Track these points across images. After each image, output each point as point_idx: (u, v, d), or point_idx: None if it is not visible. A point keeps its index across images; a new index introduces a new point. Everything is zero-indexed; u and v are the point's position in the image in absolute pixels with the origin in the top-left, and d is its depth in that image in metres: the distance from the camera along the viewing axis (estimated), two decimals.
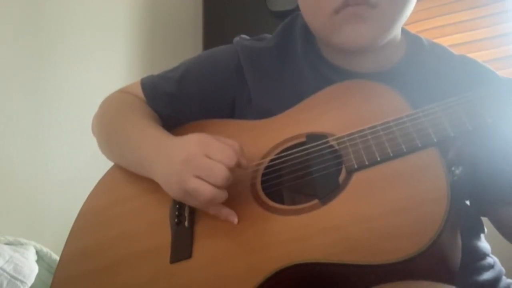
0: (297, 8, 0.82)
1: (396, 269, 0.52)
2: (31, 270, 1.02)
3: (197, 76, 0.85)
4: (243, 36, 0.90)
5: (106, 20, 1.76)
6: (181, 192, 0.65)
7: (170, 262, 0.65)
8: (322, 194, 0.62)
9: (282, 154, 0.71)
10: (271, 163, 0.71)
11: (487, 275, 0.73)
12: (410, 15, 0.77)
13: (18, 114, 1.38)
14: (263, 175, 0.70)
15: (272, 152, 0.72)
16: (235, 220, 0.65)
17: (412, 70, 0.78)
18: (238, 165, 0.65)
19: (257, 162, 0.71)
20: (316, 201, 0.62)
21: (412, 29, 0.86)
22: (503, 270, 0.78)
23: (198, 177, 0.62)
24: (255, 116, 0.79)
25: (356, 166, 0.62)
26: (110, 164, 0.84)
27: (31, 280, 1.01)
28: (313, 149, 0.68)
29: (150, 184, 0.72)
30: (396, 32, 0.79)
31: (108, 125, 0.84)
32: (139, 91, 0.87)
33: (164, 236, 0.68)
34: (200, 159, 0.63)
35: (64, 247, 0.75)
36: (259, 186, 0.68)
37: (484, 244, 0.78)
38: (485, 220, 0.79)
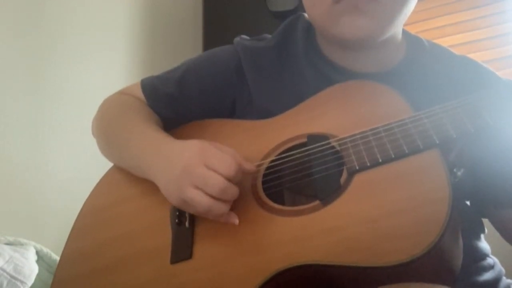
0: (297, 9, 0.82)
1: (398, 270, 0.52)
2: (31, 270, 1.02)
3: (197, 76, 0.85)
4: (244, 36, 0.89)
5: (106, 20, 1.76)
6: (180, 200, 0.64)
7: (171, 263, 0.65)
8: (323, 195, 0.62)
9: (283, 155, 0.71)
10: (272, 164, 0.71)
11: (487, 276, 0.73)
12: (411, 15, 0.77)
13: (18, 114, 1.38)
14: (264, 176, 0.70)
15: (273, 153, 0.72)
16: (236, 221, 0.64)
17: (413, 70, 0.78)
18: (242, 171, 0.64)
19: (258, 163, 0.71)
20: (317, 202, 0.62)
21: (413, 30, 0.86)
22: (503, 270, 0.78)
23: (196, 187, 0.62)
24: (256, 116, 0.79)
25: (357, 167, 0.62)
26: (110, 164, 0.84)
27: (31, 280, 1.01)
28: (314, 150, 0.68)
29: (150, 185, 0.72)
30: (396, 31, 0.79)
31: (108, 127, 0.83)
32: (139, 92, 0.87)
33: (165, 236, 0.68)
34: (198, 169, 0.62)
35: (65, 247, 0.75)
36: (260, 187, 0.68)
37: (484, 244, 0.78)
38: (485, 220, 0.79)
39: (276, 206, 0.65)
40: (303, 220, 0.61)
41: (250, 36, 0.90)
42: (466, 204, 0.78)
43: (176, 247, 0.66)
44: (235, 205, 0.65)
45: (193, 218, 0.68)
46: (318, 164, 0.66)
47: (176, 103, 0.85)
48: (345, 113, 0.71)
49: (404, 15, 0.74)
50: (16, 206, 1.34)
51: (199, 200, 0.62)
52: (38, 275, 1.04)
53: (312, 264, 0.56)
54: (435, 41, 0.86)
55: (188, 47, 2.12)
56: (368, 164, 0.62)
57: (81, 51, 1.61)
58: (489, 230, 0.79)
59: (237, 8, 1.99)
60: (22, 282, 0.98)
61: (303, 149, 0.69)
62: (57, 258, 1.10)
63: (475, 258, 0.75)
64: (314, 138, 0.70)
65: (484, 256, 0.76)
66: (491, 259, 0.77)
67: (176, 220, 0.68)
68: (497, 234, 0.75)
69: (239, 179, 0.65)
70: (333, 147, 0.67)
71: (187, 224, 0.68)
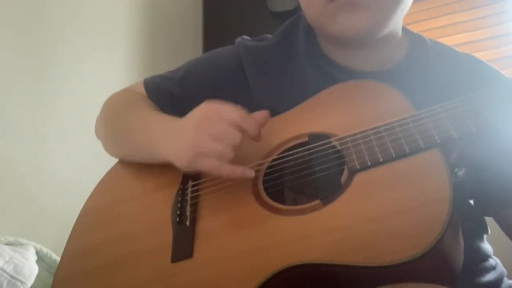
0: (297, 9, 0.82)
1: (399, 270, 0.51)
2: (31, 270, 1.02)
3: (198, 76, 0.85)
4: (245, 36, 0.90)
5: (106, 21, 1.76)
6: (193, 155, 0.65)
7: (171, 261, 0.64)
8: (324, 195, 0.62)
9: (284, 154, 0.71)
10: (273, 163, 0.71)
11: (489, 277, 0.73)
12: (411, 15, 0.77)
13: (18, 114, 1.38)
14: (265, 175, 0.70)
15: (274, 152, 0.72)
16: (252, 174, 0.65)
17: (415, 69, 0.78)
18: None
19: (259, 162, 0.71)
20: (317, 201, 0.62)
21: (413, 30, 0.86)
22: (505, 271, 0.78)
23: (213, 138, 0.64)
24: None
25: (358, 167, 0.62)
26: (110, 164, 0.84)
27: (31, 280, 1.01)
28: (315, 150, 0.68)
29: (152, 184, 0.72)
30: (395, 28, 0.79)
31: (114, 118, 0.84)
32: (142, 91, 0.88)
33: (166, 235, 0.68)
34: (214, 120, 0.65)
35: (66, 246, 0.75)
36: (260, 186, 0.68)
37: (486, 245, 0.78)
38: (488, 221, 0.79)
39: (276, 205, 0.65)
40: (303, 220, 0.61)
41: (250, 37, 0.90)
42: (470, 204, 0.78)
43: (177, 246, 0.66)
44: (236, 204, 0.65)
45: (194, 217, 0.68)
46: (319, 164, 0.66)
47: (178, 102, 0.85)
48: (346, 112, 0.71)
49: (401, 10, 0.74)
50: (16, 206, 1.34)
51: (226, 132, 0.64)
52: (38, 275, 1.04)
53: (312, 263, 0.55)
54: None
55: (188, 47, 2.12)
56: (369, 164, 0.62)
57: (81, 51, 1.61)
58: (491, 231, 0.79)
59: (237, 8, 2.00)
60: (22, 282, 0.98)
61: (304, 148, 0.69)
62: (57, 258, 1.10)
63: (477, 258, 0.74)
64: (315, 137, 0.70)
65: (486, 257, 0.76)
66: (493, 260, 0.77)
67: (177, 219, 0.68)
68: (499, 235, 0.75)
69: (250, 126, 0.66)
70: (334, 146, 0.67)
71: (188, 223, 0.67)
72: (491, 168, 0.70)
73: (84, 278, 0.69)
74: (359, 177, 0.62)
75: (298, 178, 0.69)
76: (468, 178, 0.68)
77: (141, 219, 0.72)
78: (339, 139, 0.67)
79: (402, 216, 0.55)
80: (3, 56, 1.34)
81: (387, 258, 0.52)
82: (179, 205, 0.70)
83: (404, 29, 0.83)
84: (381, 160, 0.61)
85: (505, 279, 0.76)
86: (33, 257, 1.06)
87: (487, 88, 0.62)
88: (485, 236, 0.79)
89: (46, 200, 1.42)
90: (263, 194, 0.67)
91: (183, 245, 0.65)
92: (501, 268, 0.77)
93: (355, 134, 0.66)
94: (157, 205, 0.72)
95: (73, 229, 0.76)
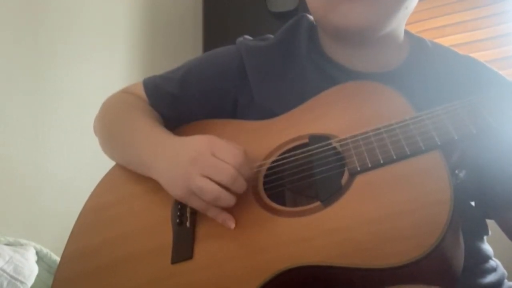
0: (297, 9, 0.82)
1: (399, 272, 0.51)
2: (31, 270, 1.03)
3: (198, 76, 0.85)
4: (246, 36, 0.89)
5: (106, 21, 1.76)
6: (185, 192, 0.65)
7: (171, 263, 0.64)
8: (324, 196, 0.62)
9: (285, 155, 0.70)
10: (273, 164, 0.70)
11: (489, 278, 0.73)
12: (411, 15, 0.77)
13: (18, 114, 1.38)
14: (265, 176, 0.70)
15: (274, 153, 0.71)
16: (232, 226, 0.64)
17: (415, 71, 0.78)
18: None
19: (259, 163, 0.71)
20: (318, 203, 0.62)
21: (413, 29, 0.86)
22: (506, 273, 0.77)
23: (206, 176, 0.63)
24: (258, 116, 0.79)
25: (359, 169, 0.62)
26: (110, 164, 0.84)
27: (31, 280, 1.01)
28: (315, 151, 0.68)
29: (152, 184, 0.72)
30: (397, 29, 0.79)
31: (110, 125, 0.84)
32: (141, 92, 0.87)
33: (166, 236, 0.68)
34: (208, 158, 0.64)
35: (66, 246, 0.75)
36: (261, 188, 0.68)
37: (487, 246, 0.78)
38: (488, 222, 0.79)
39: (277, 206, 0.65)
40: (304, 221, 0.61)
41: (250, 37, 0.90)
42: (471, 205, 0.78)
43: (177, 247, 0.66)
44: (236, 205, 0.65)
45: (194, 218, 0.68)
46: (319, 165, 0.66)
47: (178, 102, 0.85)
48: (347, 114, 0.71)
49: (405, 8, 0.74)
50: (16, 206, 1.34)
51: (209, 188, 0.62)
52: (38, 275, 1.04)
53: (312, 265, 0.55)
54: (436, 41, 0.86)
55: (188, 47, 2.12)
56: (370, 165, 0.62)
57: (81, 51, 1.61)
58: (491, 233, 0.79)
59: (237, 8, 2.00)
60: (22, 282, 0.98)
61: (304, 149, 0.69)
62: (57, 258, 1.10)
63: (478, 260, 0.74)
64: (315, 138, 0.70)
65: (486, 258, 0.76)
66: (494, 262, 0.77)
67: (177, 220, 0.68)
68: (499, 236, 0.74)
69: (247, 172, 0.65)
70: (334, 147, 0.67)
71: (188, 224, 0.67)
72: (492, 170, 0.70)
73: (84, 279, 0.69)
74: (359, 179, 0.62)
75: (298, 180, 0.69)
76: (469, 179, 0.68)
77: (141, 220, 0.72)
78: (339, 141, 0.67)
79: (402, 218, 0.55)
80: (3, 56, 1.34)
81: (387, 260, 0.52)
82: (179, 206, 0.70)
83: (406, 33, 0.83)
84: (381, 161, 0.61)
85: (506, 281, 0.76)
86: (33, 258, 1.06)
87: (488, 89, 0.62)
88: (485, 238, 0.78)
89: (46, 200, 1.42)
90: (263, 195, 0.67)
91: (183, 246, 0.65)
92: (501, 269, 0.77)
93: (355, 136, 0.66)
94: (157, 206, 0.72)
95: (73, 230, 0.76)
